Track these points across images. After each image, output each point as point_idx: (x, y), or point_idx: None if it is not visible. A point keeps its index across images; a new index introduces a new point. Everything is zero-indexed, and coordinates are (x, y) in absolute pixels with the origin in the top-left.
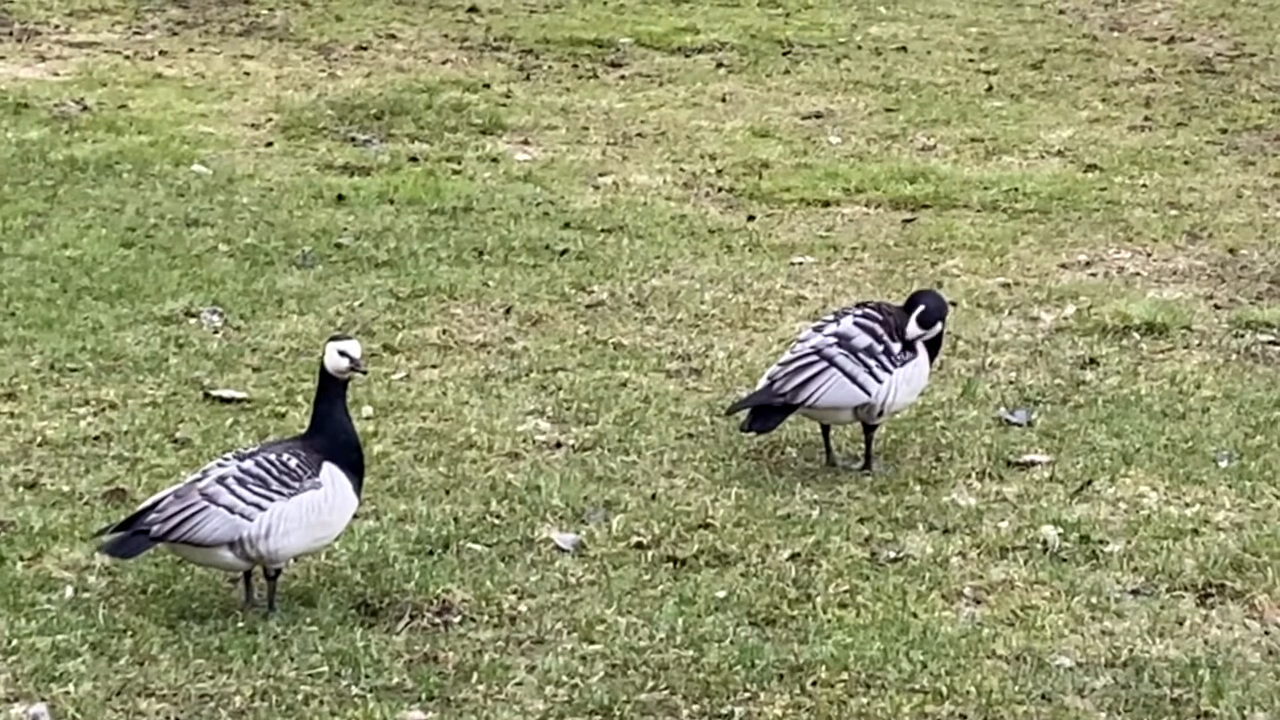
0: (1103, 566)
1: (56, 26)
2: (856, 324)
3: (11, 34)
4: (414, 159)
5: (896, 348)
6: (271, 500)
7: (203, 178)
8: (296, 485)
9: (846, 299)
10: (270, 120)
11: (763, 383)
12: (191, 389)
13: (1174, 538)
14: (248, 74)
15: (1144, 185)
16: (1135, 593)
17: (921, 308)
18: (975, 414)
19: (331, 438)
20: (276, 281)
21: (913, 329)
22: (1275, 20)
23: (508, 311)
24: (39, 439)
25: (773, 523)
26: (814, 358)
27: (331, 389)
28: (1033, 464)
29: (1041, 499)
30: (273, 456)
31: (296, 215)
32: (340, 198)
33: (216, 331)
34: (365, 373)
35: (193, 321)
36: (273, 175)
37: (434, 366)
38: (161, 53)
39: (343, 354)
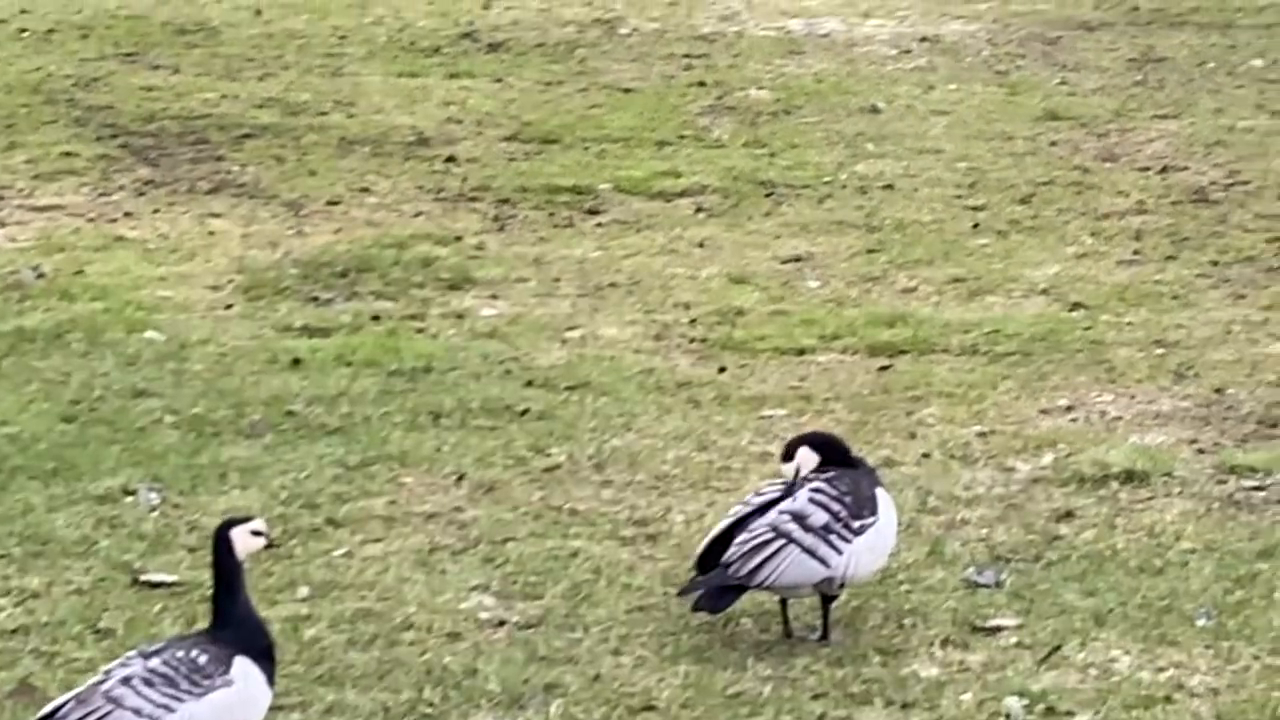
0: None
1: (21, 190)
2: (812, 500)
3: None
4: (376, 317)
5: (855, 522)
6: (181, 700)
7: (155, 345)
8: (207, 684)
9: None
10: (231, 281)
11: None
12: (120, 573)
13: (1145, 706)
14: (212, 233)
15: (1130, 323)
16: None
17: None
18: (942, 575)
19: (238, 628)
20: (221, 453)
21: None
22: (1273, 146)
23: (460, 479)
24: None
25: (721, 702)
26: (770, 534)
27: (234, 575)
28: (1000, 629)
29: (1007, 667)
30: (180, 654)
31: (249, 381)
32: (296, 361)
33: (153, 509)
34: (276, 544)
35: (129, 499)
36: (228, 340)
37: (378, 540)
38: (126, 214)
39: (257, 533)
